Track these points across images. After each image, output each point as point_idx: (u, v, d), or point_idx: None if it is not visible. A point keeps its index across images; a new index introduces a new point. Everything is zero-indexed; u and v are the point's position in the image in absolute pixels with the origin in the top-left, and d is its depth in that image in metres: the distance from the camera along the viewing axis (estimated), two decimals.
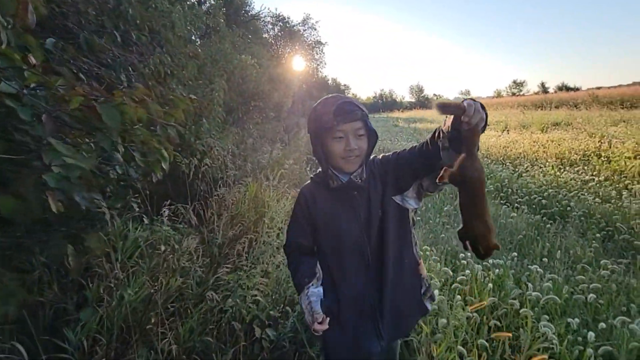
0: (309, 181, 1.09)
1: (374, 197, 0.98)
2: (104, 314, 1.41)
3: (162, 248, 1.51)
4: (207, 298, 1.51)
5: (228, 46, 5.29)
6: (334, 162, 0.96)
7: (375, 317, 1.00)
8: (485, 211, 0.76)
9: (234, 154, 4.16)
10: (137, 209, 2.19)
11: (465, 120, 0.72)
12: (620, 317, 1.50)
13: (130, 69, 2.22)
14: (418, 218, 3.33)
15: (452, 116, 0.76)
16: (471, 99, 0.75)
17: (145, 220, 2.26)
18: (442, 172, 0.78)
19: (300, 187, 1.09)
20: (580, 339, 1.50)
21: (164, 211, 1.61)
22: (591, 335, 1.41)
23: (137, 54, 2.29)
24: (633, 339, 1.45)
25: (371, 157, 1.04)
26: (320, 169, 1.03)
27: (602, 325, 1.51)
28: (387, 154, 1.05)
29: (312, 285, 1.00)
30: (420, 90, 70.61)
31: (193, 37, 5.87)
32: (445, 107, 0.74)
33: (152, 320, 1.34)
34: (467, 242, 0.79)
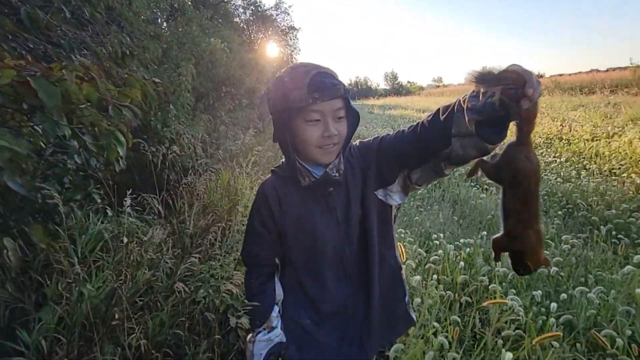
0: (269, 175, 0.88)
1: (353, 193, 0.81)
2: (63, 313, 1.32)
3: (125, 240, 1.42)
4: (177, 290, 1.45)
5: (196, 29, 5.03)
6: (307, 152, 0.77)
7: (361, 335, 0.84)
8: (538, 218, 0.61)
9: (205, 142, 4.00)
10: (99, 201, 2.05)
11: (530, 93, 0.53)
12: (579, 288, 1.59)
13: (84, 48, 2.04)
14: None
15: (490, 91, 0.56)
16: (518, 65, 0.56)
17: (110, 213, 2.13)
18: (474, 165, 0.63)
19: (261, 185, 0.88)
20: (543, 309, 1.59)
21: (126, 200, 1.51)
22: (553, 305, 1.48)
23: (92, 32, 2.10)
24: (590, 307, 1.56)
25: None
26: (283, 160, 0.84)
27: (564, 295, 1.60)
28: (365, 140, 0.87)
29: (262, 332, 0.82)
30: (395, 77, 71.34)
31: (159, 20, 5.53)
32: (493, 79, 0.55)
33: (117, 316, 1.26)
34: (511, 255, 0.65)
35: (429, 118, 0.71)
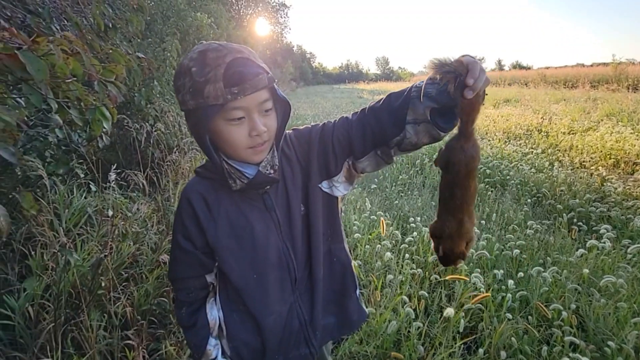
0: (193, 176, 0.76)
1: (292, 190, 0.73)
2: (50, 282, 1.36)
3: (110, 213, 1.46)
4: (163, 261, 1.51)
5: (181, 1, 4.85)
6: (234, 154, 0.66)
7: (308, 338, 0.78)
8: (464, 208, 0.61)
9: None
10: (83, 176, 2.06)
11: (470, 83, 0.54)
12: (537, 268, 1.75)
13: (64, 19, 1.98)
14: (374, 186, 3.49)
15: (443, 79, 0.57)
16: (469, 56, 0.57)
17: (93, 188, 2.14)
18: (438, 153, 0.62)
19: (183, 189, 0.74)
20: (504, 287, 1.73)
21: (110, 175, 1.54)
22: (511, 283, 1.63)
23: (72, 2, 2.03)
24: (544, 285, 1.72)
25: None
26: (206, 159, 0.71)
27: (521, 274, 1.76)
28: (301, 128, 0.78)
29: (211, 342, 0.75)
30: (386, 62, 70.68)
31: None
32: (442, 66, 0.57)
33: (103, 284, 1.32)
34: (435, 240, 0.66)
35: (379, 104, 0.68)
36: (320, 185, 0.75)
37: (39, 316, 1.32)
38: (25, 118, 1.38)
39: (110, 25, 2.10)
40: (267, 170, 0.69)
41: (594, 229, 2.34)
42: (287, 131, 0.76)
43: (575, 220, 2.51)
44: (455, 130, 0.62)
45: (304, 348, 0.78)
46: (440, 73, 0.57)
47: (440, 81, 0.58)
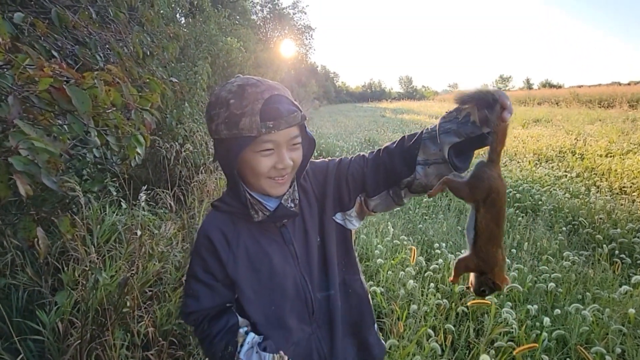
0: (210, 211, 0.76)
1: (309, 221, 0.75)
2: (79, 297, 1.41)
3: (138, 233, 1.51)
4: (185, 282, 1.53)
5: (213, 27, 5.15)
6: (256, 183, 0.67)
7: None
8: (502, 236, 0.61)
9: None
10: (115, 193, 2.16)
11: (507, 105, 0.55)
12: (575, 304, 1.61)
13: (107, 48, 2.14)
14: (397, 209, 3.42)
15: (465, 111, 0.59)
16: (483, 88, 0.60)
17: (124, 205, 2.23)
18: (440, 184, 0.62)
19: (200, 226, 0.74)
20: (538, 324, 1.61)
21: (141, 196, 1.60)
22: (547, 320, 1.51)
23: (115, 32, 2.20)
24: (584, 323, 1.58)
25: None
26: (225, 191, 0.74)
27: (557, 311, 1.63)
28: (317, 161, 0.81)
29: (241, 347, 0.68)
30: (409, 81, 70.83)
31: (177, 15, 5.67)
32: (470, 97, 0.58)
33: (128, 304, 1.35)
34: (478, 276, 0.64)
35: (394, 145, 0.70)
36: (334, 217, 0.77)
37: (67, 331, 1.36)
38: (68, 140, 1.48)
39: (148, 53, 2.25)
40: (289, 203, 0.71)
41: (638, 262, 2.15)
42: None
43: (616, 252, 2.32)
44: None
45: None
46: (471, 102, 0.58)
47: (459, 113, 0.61)
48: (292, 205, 0.71)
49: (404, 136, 0.70)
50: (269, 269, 0.71)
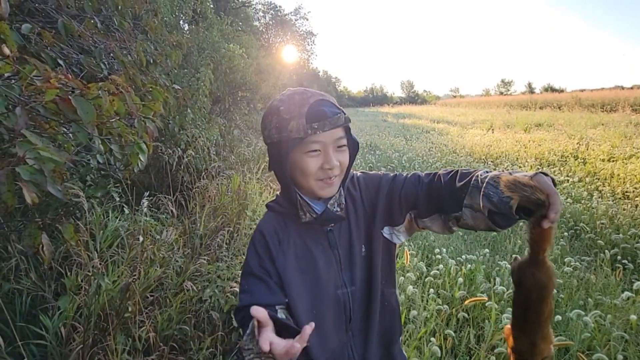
0: (266, 211, 0.80)
1: (355, 230, 0.77)
2: (81, 302, 1.43)
3: (141, 238, 1.53)
4: (186, 288, 1.54)
5: (216, 34, 5.22)
6: (306, 184, 0.71)
7: None
8: (537, 331, 0.59)
9: (219, 145, 4.14)
10: (118, 199, 2.19)
11: (551, 217, 0.53)
12: (577, 310, 1.61)
13: (111, 56, 2.18)
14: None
15: (514, 189, 0.54)
16: (542, 172, 0.56)
17: (126, 210, 2.26)
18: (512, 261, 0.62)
19: (258, 224, 0.79)
20: None
21: (144, 201, 1.62)
22: None
23: (119, 41, 2.25)
24: (586, 330, 1.57)
25: None
26: (278, 193, 0.79)
27: (559, 317, 1.62)
28: (371, 173, 0.82)
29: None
30: (411, 85, 71.00)
31: (181, 23, 5.75)
32: (519, 189, 0.54)
33: (130, 309, 1.36)
34: (514, 355, 0.64)
35: (447, 177, 0.70)
36: (382, 231, 0.78)
37: (69, 336, 1.37)
38: (72, 147, 1.51)
39: (152, 61, 2.28)
40: (335, 207, 0.73)
41: None
42: (355, 172, 0.82)
43: (619, 257, 2.31)
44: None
45: None
46: (518, 197, 0.54)
47: (504, 189, 0.57)
48: (338, 209, 0.74)
49: (459, 170, 0.70)
50: (314, 272, 0.73)
